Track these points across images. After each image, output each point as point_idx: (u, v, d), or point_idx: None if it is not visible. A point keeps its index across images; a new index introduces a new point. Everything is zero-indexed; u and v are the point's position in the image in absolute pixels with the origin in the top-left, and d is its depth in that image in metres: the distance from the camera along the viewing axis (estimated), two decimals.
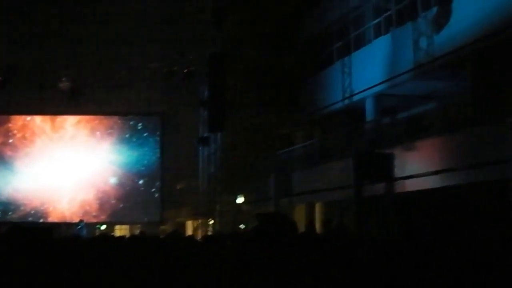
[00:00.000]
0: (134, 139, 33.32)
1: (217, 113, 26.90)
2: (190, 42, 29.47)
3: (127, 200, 32.70)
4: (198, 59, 29.40)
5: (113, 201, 32.76)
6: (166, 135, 32.86)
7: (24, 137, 33.35)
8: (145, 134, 33.54)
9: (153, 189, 33.05)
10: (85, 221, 29.43)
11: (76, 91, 30.62)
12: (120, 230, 34.35)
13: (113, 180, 32.92)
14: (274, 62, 31.11)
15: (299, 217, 28.24)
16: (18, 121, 33.60)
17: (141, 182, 33.15)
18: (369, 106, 25.87)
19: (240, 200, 30.09)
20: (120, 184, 32.90)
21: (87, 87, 31.28)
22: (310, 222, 13.60)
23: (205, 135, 30.10)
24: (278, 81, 31.28)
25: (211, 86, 27.48)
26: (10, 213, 32.62)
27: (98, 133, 33.34)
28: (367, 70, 25.86)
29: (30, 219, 32.32)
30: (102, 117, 33.60)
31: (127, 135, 33.37)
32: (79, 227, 28.31)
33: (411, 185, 20.61)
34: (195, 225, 32.95)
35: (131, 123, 33.68)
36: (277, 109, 31.26)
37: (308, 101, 30.78)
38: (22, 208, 32.64)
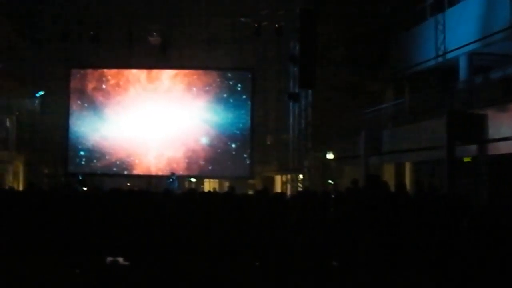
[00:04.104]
0: (231, 100, 31.84)
1: (308, 70, 26.98)
2: None
3: (216, 162, 31.69)
4: (287, 14, 29.46)
5: (202, 162, 31.75)
6: (256, 91, 32.10)
7: (117, 84, 32.48)
8: (244, 97, 31.90)
9: (245, 155, 31.70)
10: (176, 174, 29.60)
11: (166, 46, 30.89)
12: (209, 183, 34.60)
13: (204, 140, 31.74)
14: (364, 18, 30.89)
15: (388, 176, 28.23)
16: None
17: (233, 146, 31.74)
18: (462, 65, 25.48)
19: (329, 156, 30.20)
20: (212, 145, 31.71)
21: (176, 41, 31.55)
22: (401, 183, 13.57)
23: (296, 91, 30.16)
24: (367, 37, 31.04)
25: (302, 42, 27.47)
26: (94, 161, 32.09)
27: (194, 89, 32.01)
28: (461, 28, 25.40)
29: (114, 169, 31.97)
30: (200, 72, 32.29)
31: (224, 95, 31.87)
32: (170, 180, 28.63)
33: (505, 148, 20.36)
34: (283, 179, 33.14)
35: (230, 82, 32.20)
36: (366, 66, 31.09)
37: (398, 58, 30.50)
38: (107, 157, 32.03)
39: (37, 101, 34.00)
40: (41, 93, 33.35)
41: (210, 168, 31.81)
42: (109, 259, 7.74)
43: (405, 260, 6.95)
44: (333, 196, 14.26)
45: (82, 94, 32.50)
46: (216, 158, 31.71)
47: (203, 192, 18.89)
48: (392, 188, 12.60)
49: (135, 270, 7.47)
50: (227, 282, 7.63)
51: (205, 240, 8.74)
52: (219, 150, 31.71)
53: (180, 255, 8.06)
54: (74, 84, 32.53)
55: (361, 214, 8.97)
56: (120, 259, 7.79)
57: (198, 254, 8.11)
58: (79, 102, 32.43)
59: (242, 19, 30.13)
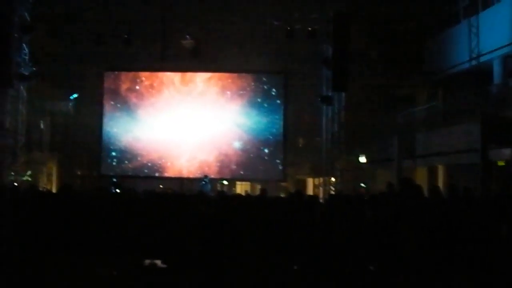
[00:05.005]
0: (265, 105, 31.62)
1: (341, 73, 26.88)
2: (312, 0, 29.47)
3: (248, 167, 31.44)
4: (320, 18, 29.38)
5: (233, 166, 31.50)
6: (289, 93, 31.96)
7: (151, 86, 32.43)
8: (278, 101, 31.74)
9: (278, 160, 31.45)
10: (209, 176, 29.53)
11: (200, 49, 30.88)
12: (241, 186, 34.57)
13: (237, 145, 31.48)
14: (397, 21, 30.79)
15: (421, 179, 28.08)
16: None
17: (266, 151, 31.43)
18: (496, 68, 25.33)
19: (362, 159, 30.08)
20: (244, 150, 31.45)
21: (210, 45, 31.54)
22: (435, 187, 13.46)
23: (329, 94, 30.09)
24: (401, 40, 30.93)
25: (335, 45, 27.39)
26: (126, 161, 32.02)
27: (228, 92, 31.86)
28: (495, 31, 25.26)
29: (145, 171, 31.83)
30: (235, 76, 32.18)
31: (259, 99, 31.66)
32: (203, 182, 28.64)
33: None
34: (315, 182, 33.03)
35: (265, 87, 31.95)
36: (399, 69, 30.96)
37: (432, 61, 30.35)
38: (139, 158, 31.90)
39: (71, 103, 34.29)
40: (75, 95, 33.63)
41: (241, 172, 31.72)
42: (147, 261, 7.80)
43: (443, 265, 6.93)
44: (366, 199, 14.24)
45: (116, 95, 32.53)
46: (248, 163, 31.52)
47: (234, 195, 18.87)
48: (426, 192, 12.53)
49: (173, 273, 7.53)
50: (261, 285, 7.66)
51: (242, 242, 8.77)
52: (251, 155, 31.52)
53: (214, 258, 8.10)
54: (107, 84, 32.62)
55: (398, 217, 8.95)
56: (158, 262, 7.85)
57: (232, 256, 8.15)
58: (112, 102, 32.43)
59: (275, 23, 30.04)
